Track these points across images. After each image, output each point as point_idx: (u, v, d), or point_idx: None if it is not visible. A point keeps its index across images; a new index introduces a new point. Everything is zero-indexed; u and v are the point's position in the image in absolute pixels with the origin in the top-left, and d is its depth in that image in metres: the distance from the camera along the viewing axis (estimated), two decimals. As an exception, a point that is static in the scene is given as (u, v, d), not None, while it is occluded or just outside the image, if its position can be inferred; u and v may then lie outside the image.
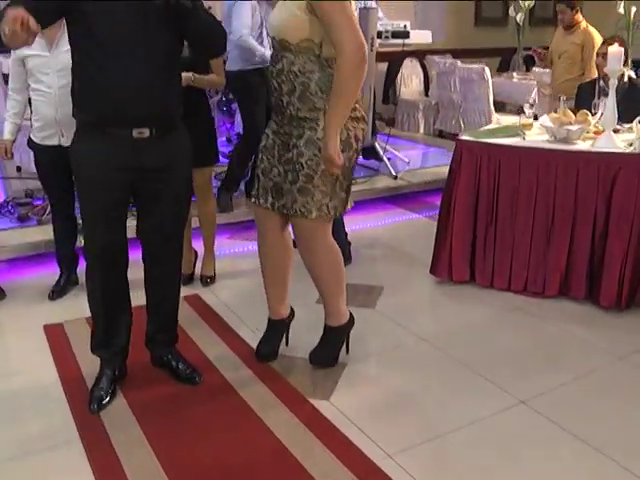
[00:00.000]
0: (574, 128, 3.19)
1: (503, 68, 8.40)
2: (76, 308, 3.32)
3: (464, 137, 3.46)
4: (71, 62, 2.31)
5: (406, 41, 5.13)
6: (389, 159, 5.42)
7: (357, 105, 2.45)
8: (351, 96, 2.33)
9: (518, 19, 6.71)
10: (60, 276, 3.51)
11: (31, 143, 3.35)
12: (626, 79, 4.07)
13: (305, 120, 2.42)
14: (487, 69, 6.03)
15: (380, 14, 5.55)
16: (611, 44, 4.07)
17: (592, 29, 5.11)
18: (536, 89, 6.15)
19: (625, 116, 3.77)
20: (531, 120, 3.62)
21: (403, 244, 4.30)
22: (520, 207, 3.32)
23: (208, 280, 3.55)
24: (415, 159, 5.94)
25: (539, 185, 3.26)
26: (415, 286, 3.63)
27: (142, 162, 2.30)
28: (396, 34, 4.97)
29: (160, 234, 2.48)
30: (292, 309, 2.88)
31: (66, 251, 3.49)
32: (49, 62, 3.14)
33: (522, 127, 3.56)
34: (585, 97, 4.20)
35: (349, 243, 3.78)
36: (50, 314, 3.29)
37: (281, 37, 2.39)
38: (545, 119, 3.35)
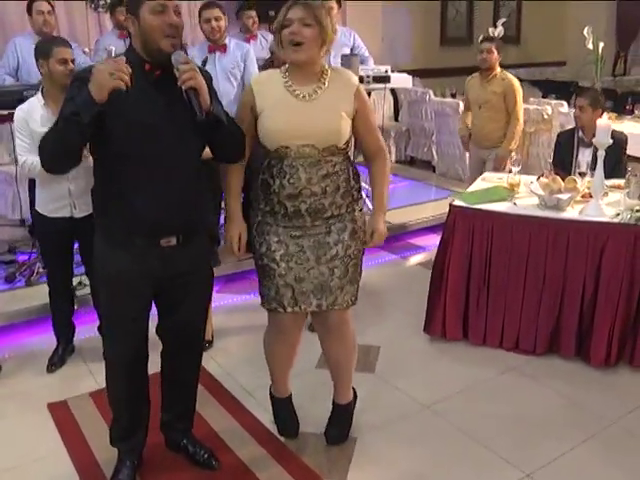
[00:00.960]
0: (564, 197, 3.36)
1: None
2: (77, 381, 3.36)
3: (457, 203, 3.60)
4: (91, 161, 2.35)
5: (387, 85, 5.26)
6: (366, 196, 5.51)
7: None
8: None
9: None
10: (57, 346, 3.52)
11: (37, 216, 3.31)
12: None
13: (346, 214, 2.52)
14: (461, 103, 6.20)
15: (366, 53, 5.73)
16: (580, 95, 4.31)
17: (509, 74, 4.89)
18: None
19: (605, 168, 4.00)
20: (518, 179, 3.79)
21: (387, 290, 4.42)
22: (512, 270, 3.48)
23: (207, 345, 3.62)
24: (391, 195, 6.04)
25: (530, 250, 3.43)
26: (410, 344, 3.75)
27: (168, 269, 2.34)
28: (377, 79, 5.09)
29: (183, 333, 2.52)
30: None
31: (63, 321, 3.50)
32: None
33: (510, 187, 3.74)
34: (565, 147, 4.40)
35: None
36: (51, 389, 3.30)
37: (330, 143, 2.42)
38: (536, 186, 3.51)
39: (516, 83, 4.81)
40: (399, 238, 5.31)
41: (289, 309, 2.56)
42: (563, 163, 4.34)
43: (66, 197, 3.23)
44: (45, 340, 3.65)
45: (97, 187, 2.36)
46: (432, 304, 3.69)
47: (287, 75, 2.46)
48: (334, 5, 4.68)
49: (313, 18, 2.33)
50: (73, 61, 3.19)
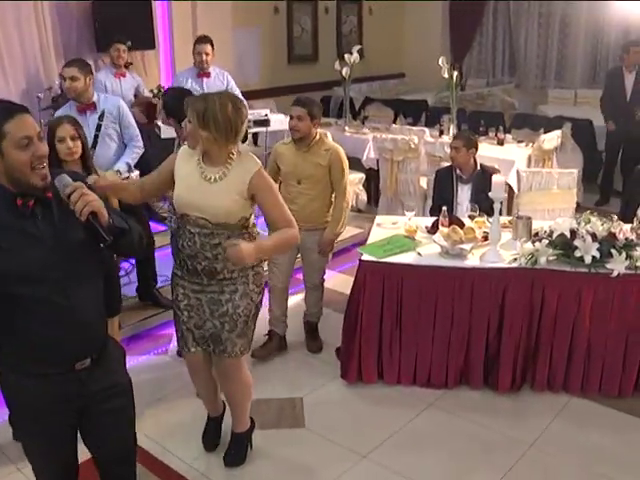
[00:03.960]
0: (467, 247, 3.77)
1: (324, 110, 8.98)
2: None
3: (366, 257, 3.88)
4: None
5: (268, 128, 5.44)
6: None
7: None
8: None
9: (344, 73, 7.29)
10: None
11: None
12: (478, 167, 4.77)
13: (238, 277, 2.97)
14: (329, 134, 6.53)
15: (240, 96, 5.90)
16: (456, 138, 4.78)
17: (331, 142, 4.31)
18: (370, 145, 6.77)
19: (480, 201, 4.50)
20: (415, 226, 4.16)
21: (296, 336, 4.60)
22: (422, 314, 3.83)
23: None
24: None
25: (438, 295, 3.80)
26: (329, 391, 4.00)
27: (87, 388, 2.24)
28: (258, 122, 5.26)
29: (115, 449, 2.43)
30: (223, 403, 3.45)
31: None
32: None
33: (408, 233, 4.10)
34: (444, 184, 4.86)
35: None
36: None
37: (221, 221, 2.85)
38: (438, 237, 3.88)
39: (342, 152, 4.13)
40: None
41: (192, 349, 3.10)
42: (443, 199, 4.77)
43: None
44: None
45: None
46: (347, 352, 3.97)
47: (201, 156, 2.92)
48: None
49: (195, 120, 2.81)
50: None
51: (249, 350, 3.19)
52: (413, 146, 6.04)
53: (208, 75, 6.18)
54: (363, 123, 7.57)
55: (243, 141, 3.03)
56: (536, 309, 3.76)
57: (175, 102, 3.62)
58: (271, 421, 3.70)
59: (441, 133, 6.78)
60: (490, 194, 3.80)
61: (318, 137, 4.09)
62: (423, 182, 6.21)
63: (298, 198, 4.09)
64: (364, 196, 6.84)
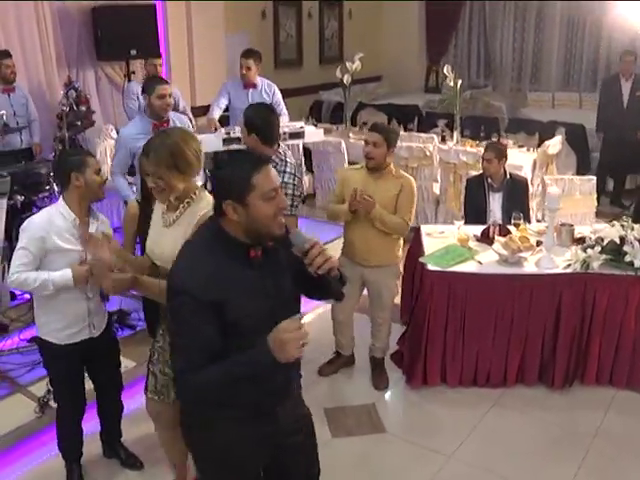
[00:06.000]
0: (526, 255, 4.14)
1: (315, 115, 9.25)
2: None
3: (432, 267, 4.19)
4: None
5: (303, 140, 5.67)
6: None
7: None
8: None
9: (345, 80, 7.56)
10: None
11: (49, 347, 3.16)
12: (508, 176, 5.13)
13: None
14: (343, 143, 6.82)
15: (284, 109, 6.14)
16: (487, 149, 5.12)
17: (404, 172, 4.30)
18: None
19: (511, 208, 4.88)
20: (465, 235, 4.49)
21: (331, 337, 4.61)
22: (484, 319, 4.17)
23: None
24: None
25: (499, 301, 4.14)
26: (396, 395, 4.31)
27: (280, 425, 2.30)
28: (293, 135, 5.48)
29: None
30: None
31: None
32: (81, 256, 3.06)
33: (461, 242, 4.42)
34: (475, 193, 5.19)
35: None
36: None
37: None
38: (497, 246, 4.23)
39: (414, 184, 4.14)
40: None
41: (157, 396, 2.97)
42: (475, 208, 5.12)
43: (85, 318, 3.16)
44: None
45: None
46: (413, 358, 4.28)
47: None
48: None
49: (156, 176, 2.66)
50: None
51: None
52: (428, 154, 6.37)
53: (254, 86, 6.39)
54: (361, 129, 7.84)
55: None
56: (587, 310, 4.15)
57: (259, 119, 3.61)
58: (352, 428, 3.95)
59: (443, 139, 7.07)
60: (546, 205, 4.17)
61: (391, 165, 4.09)
62: (436, 188, 6.56)
63: (364, 229, 4.03)
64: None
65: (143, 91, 4.71)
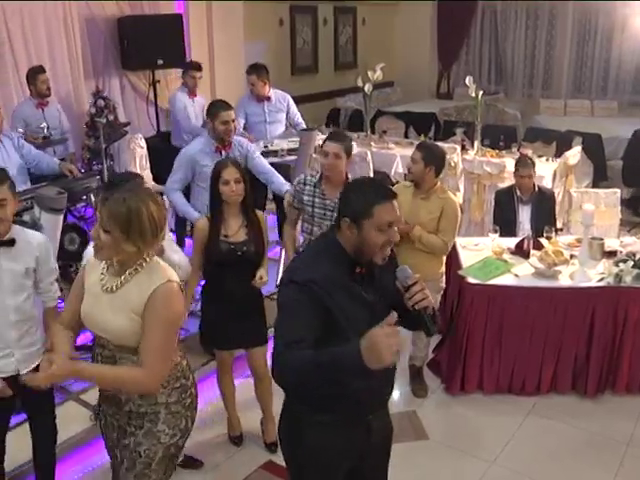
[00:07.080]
0: (562, 269, 4.35)
1: (333, 123, 9.44)
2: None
3: (471, 280, 4.40)
4: None
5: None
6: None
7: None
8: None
9: (366, 89, 7.74)
10: None
11: None
12: (536, 188, 5.33)
13: (146, 414, 2.50)
14: (369, 153, 7.01)
15: (300, 119, 6.40)
16: (521, 166, 5.30)
17: (450, 193, 4.35)
18: (398, 160, 7.26)
19: (539, 220, 5.10)
20: (499, 247, 4.69)
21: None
22: (520, 330, 4.38)
23: (273, 447, 3.97)
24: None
25: (535, 313, 4.36)
26: (435, 402, 4.51)
27: (370, 441, 2.47)
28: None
29: None
30: None
31: None
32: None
33: (496, 254, 4.63)
34: (505, 205, 5.40)
35: None
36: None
37: (120, 343, 2.41)
38: (534, 260, 4.45)
39: (458, 205, 4.30)
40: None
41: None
42: (505, 220, 5.32)
43: (7, 346, 2.95)
44: None
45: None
46: (451, 366, 4.50)
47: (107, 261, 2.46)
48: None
49: (108, 225, 2.30)
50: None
51: None
52: (453, 164, 6.56)
53: (268, 99, 6.42)
54: (381, 137, 8.03)
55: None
56: (620, 322, 4.36)
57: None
58: (394, 435, 4.11)
59: (463, 148, 7.24)
60: (580, 221, 4.38)
61: (438, 184, 4.22)
62: (459, 197, 6.74)
63: (407, 245, 4.10)
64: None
65: (208, 113, 4.75)
